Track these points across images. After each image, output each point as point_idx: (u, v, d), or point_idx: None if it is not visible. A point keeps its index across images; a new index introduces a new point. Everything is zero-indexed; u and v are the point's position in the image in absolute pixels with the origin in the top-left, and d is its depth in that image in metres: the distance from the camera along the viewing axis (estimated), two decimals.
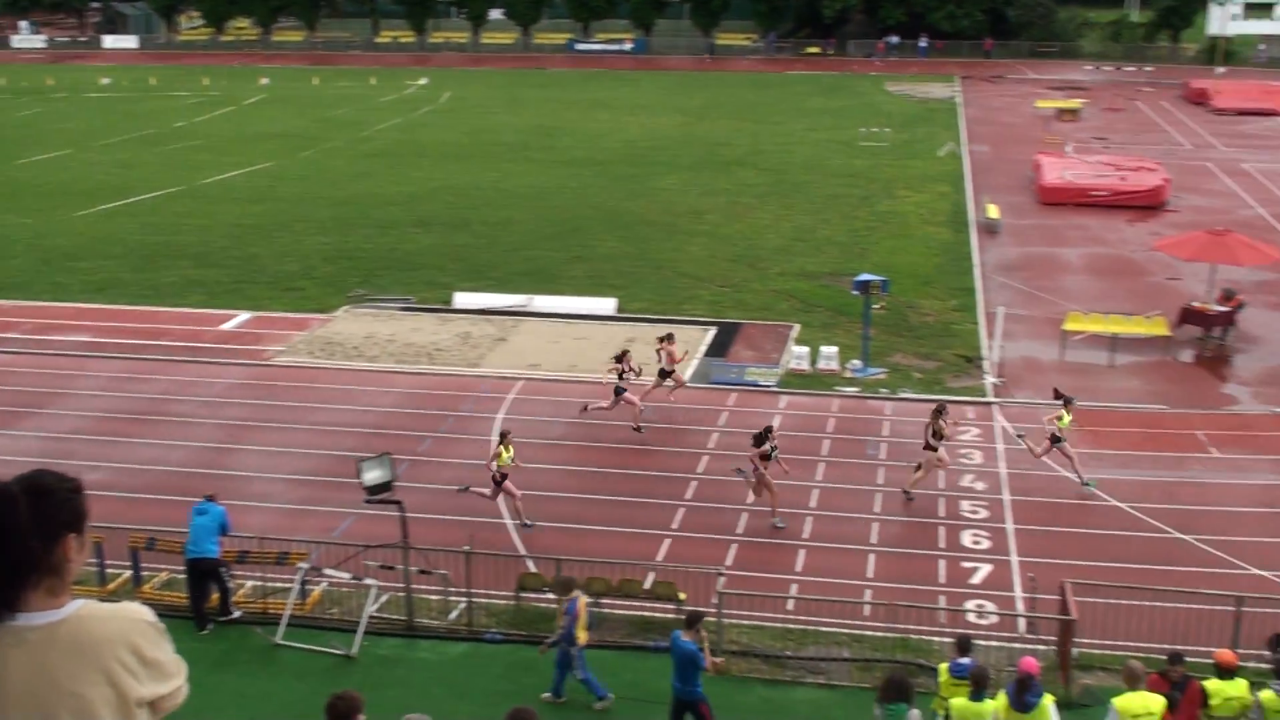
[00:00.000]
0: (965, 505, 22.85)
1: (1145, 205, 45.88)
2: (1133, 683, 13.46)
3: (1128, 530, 21.81)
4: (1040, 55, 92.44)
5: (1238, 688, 14.25)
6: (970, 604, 19.36)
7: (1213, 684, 14.35)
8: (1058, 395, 24.17)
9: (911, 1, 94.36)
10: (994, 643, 17.63)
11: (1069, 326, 31.34)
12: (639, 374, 25.89)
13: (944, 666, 14.70)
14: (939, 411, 22.94)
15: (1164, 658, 15.00)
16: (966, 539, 21.57)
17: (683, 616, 18.16)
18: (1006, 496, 23.20)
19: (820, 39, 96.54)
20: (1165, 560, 20.66)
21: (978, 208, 45.52)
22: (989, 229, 42.61)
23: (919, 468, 22.76)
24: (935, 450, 22.66)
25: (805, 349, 30.14)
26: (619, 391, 25.46)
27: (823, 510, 22.53)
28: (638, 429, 25.64)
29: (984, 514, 22.51)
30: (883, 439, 25.79)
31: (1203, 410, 27.30)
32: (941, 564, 20.69)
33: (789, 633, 18.15)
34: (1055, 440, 23.24)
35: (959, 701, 13.38)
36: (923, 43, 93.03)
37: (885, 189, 49.29)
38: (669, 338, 26.64)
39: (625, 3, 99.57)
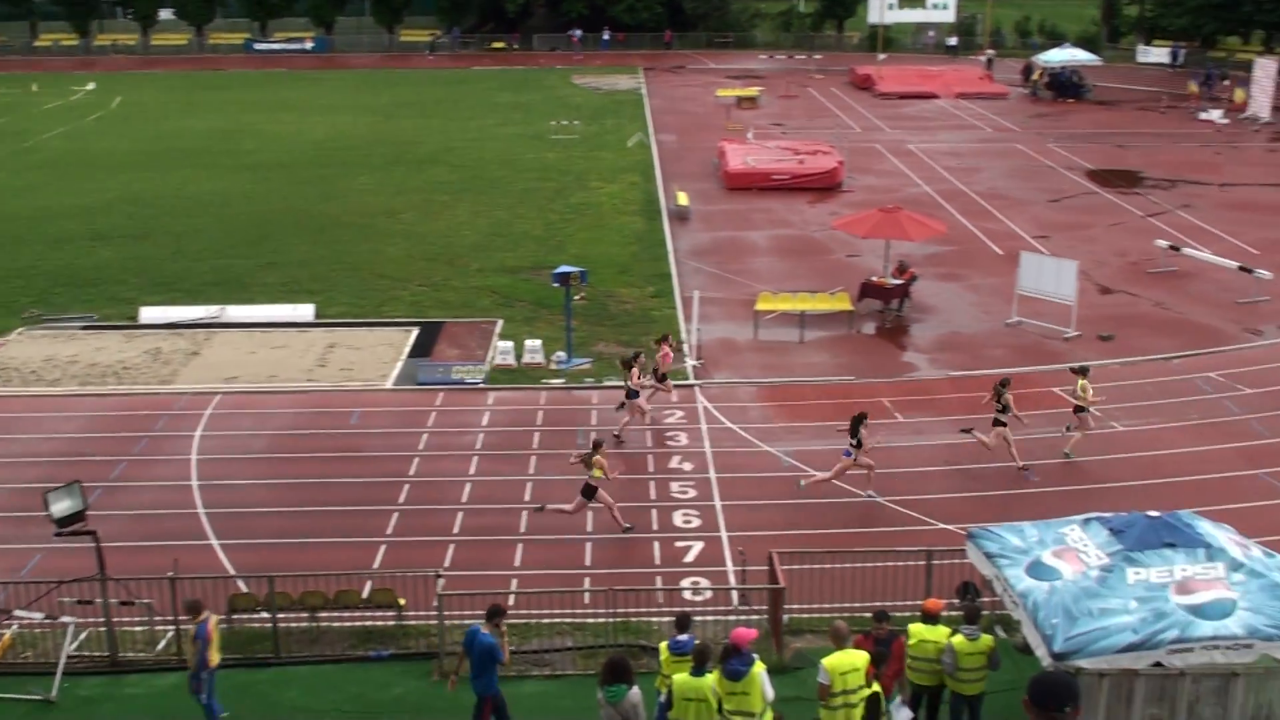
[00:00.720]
0: (675, 486, 23.48)
1: (823, 187, 48.17)
2: (839, 642, 14.17)
3: (827, 498, 22.88)
4: (718, 46, 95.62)
5: (937, 633, 15.24)
6: (686, 582, 19.91)
7: (916, 627, 15.33)
8: (1075, 370, 24.79)
9: None
10: (711, 617, 18.19)
11: (760, 306, 32.61)
12: (656, 376, 26.14)
13: (664, 645, 15.07)
14: (1004, 384, 23.72)
15: (869, 615, 15.87)
16: (678, 519, 22.16)
17: (401, 625, 17.96)
18: (713, 475, 23.96)
19: (505, 33, 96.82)
20: (862, 523, 21.82)
21: (668, 196, 46.72)
22: (680, 216, 43.81)
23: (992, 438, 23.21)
24: (1004, 425, 23.39)
25: (510, 344, 30.25)
26: (633, 395, 25.26)
27: (538, 504, 22.66)
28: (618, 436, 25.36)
29: (693, 493, 23.18)
30: (591, 427, 26.16)
31: (887, 379, 28.95)
32: (656, 545, 21.19)
33: (512, 628, 18.20)
34: (1079, 410, 24.10)
35: (680, 678, 13.74)
36: (605, 36, 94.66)
37: (578, 181, 49.95)
38: (665, 339, 27.03)
39: (303, 0, 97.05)
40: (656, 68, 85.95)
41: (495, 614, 15.31)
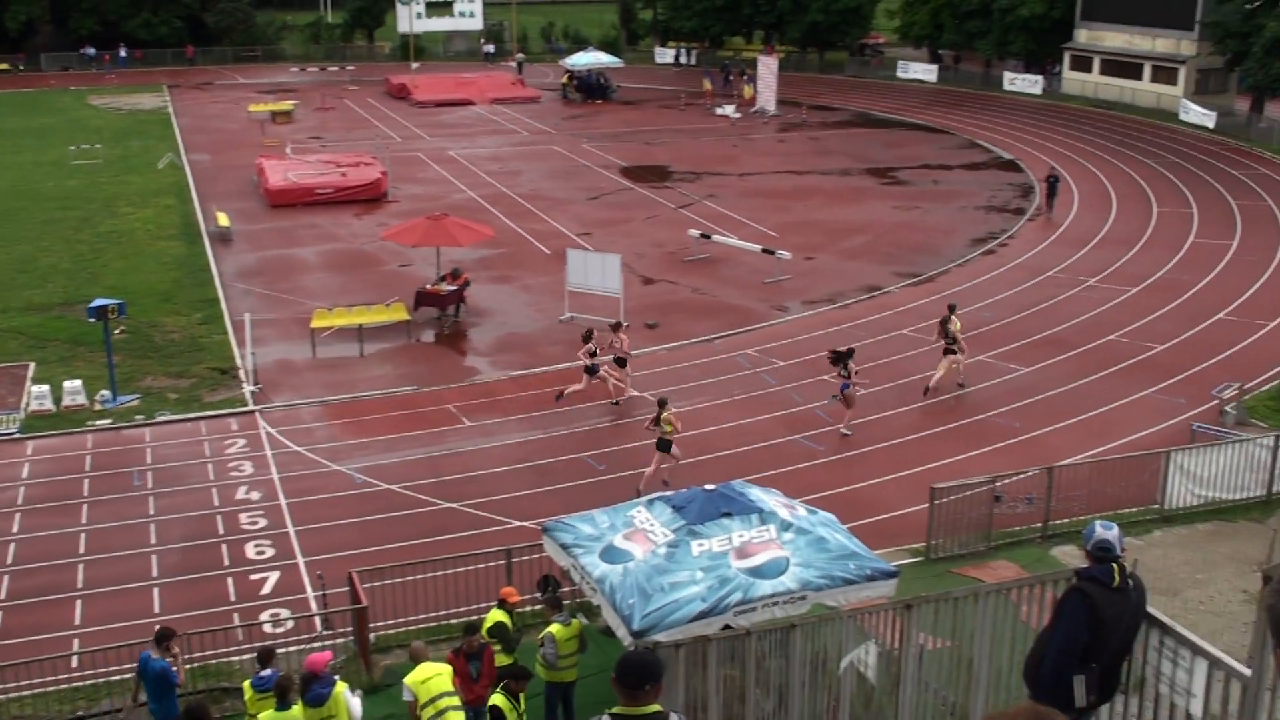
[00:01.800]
0: (244, 517, 22.66)
1: (368, 198, 47.84)
2: (417, 659, 14.30)
3: (403, 510, 22.80)
4: (245, 60, 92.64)
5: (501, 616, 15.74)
6: (265, 615, 19.28)
7: (494, 614, 15.67)
8: (950, 308, 28.14)
9: (104, 10, 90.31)
10: (295, 648, 17.71)
11: (316, 324, 31.99)
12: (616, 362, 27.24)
13: (247, 684, 14.58)
14: (952, 308, 27.21)
15: (457, 622, 15.98)
16: (251, 551, 21.42)
17: None
18: (283, 501, 23.31)
19: (8, 54, 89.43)
20: (441, 531, 21.89)
21: (208, 217, 44.88)
22: (222, 237, 42.22)
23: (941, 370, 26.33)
24: (956, 353, 26.62)
25: (46, 387, 28.10)
26: (591, 371, 26.64)
27: (95, 554, 21.27)
28: (616, 403, 27.32)
29: (264, 523, 22.47)
30: (147, 467, 24.80)
31: (451, 385, 29.14)
32: (230, 582, 20.39)
33: (78, 691, 16.98)
34: (950, 349, 27.08)
35: (267, 715, 13.35)
36: (122, 53, 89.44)
37: (107, 207, 47.03)
38: (618, 326, 28.17)
39: None
40: (182, 85, 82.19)
41: (164, 637, 14.76)
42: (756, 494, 16.07)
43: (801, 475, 23.70)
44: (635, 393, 27.86)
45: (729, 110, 67.71)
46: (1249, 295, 35.37)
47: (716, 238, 40.03)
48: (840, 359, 25.35)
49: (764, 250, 37.77)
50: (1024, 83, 76.83)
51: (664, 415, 22.68)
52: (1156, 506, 22.29)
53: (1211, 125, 62.09)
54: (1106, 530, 8.41)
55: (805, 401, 27.90)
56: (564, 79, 76.90)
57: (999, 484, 21.53)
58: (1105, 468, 22.64)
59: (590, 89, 75.47)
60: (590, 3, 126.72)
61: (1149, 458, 22.83)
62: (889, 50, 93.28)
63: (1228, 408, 26.02)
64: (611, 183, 51.21)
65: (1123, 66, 71.69)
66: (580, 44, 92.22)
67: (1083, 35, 74.15)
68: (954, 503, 20.80)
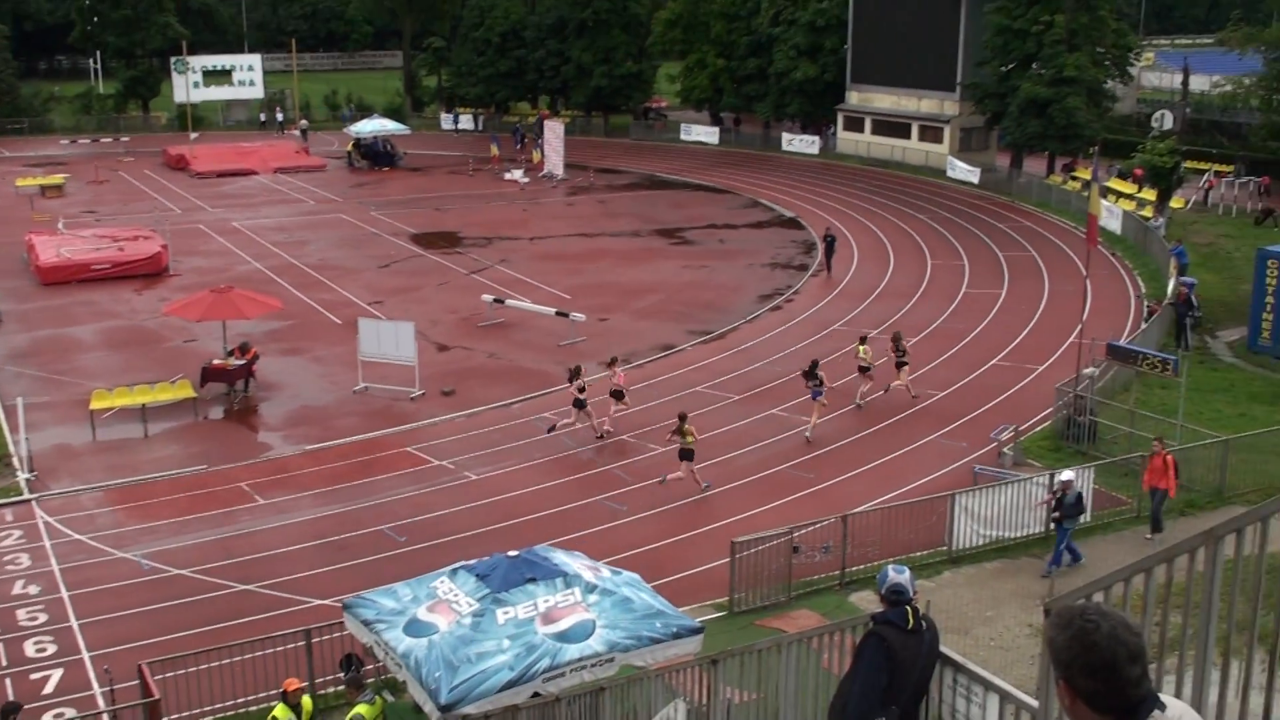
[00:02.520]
0: (22, 614, 21.45)
1: (148, 273, 46.25)
2: None
3: (196, 595, 21.93)
4: (10, 132, 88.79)
5: (307, 705, 15.25)
6: (48, 716, 18.25)
7: (277, 710, 15.21)
8: (860, 339, 30.67)
9: None
10: None
11: (96, 405, 30.67)
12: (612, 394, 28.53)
13: None
14: (897, 337, 30.23)
15: (258, 709, 15.40)
16: (30, 649, 20.27)
17: None
18: (65, 593, 22.15)
19: None
20: (237, 614, 21.11)
21: None
22: None
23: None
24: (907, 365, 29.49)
25: None
26: (579, 405, 28.02)
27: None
28: (600, 437, 28.57)
29: (44, 618, 21.30)
30: None
31: (242, 462, 28.24)
32: (9, 683, 19.25)
33: None
34: (864, 370, 29.61)
35: None
36: None
37: None
38: (614, 361, 29.93)
39: None
40: None
41: (8, 712, 13.59)
42: (560, 558, 16.07)
43: (605, 536, 23.76)
44: (610, 430, 28.79)
45: (518, 175, 68.11)
46: (1018, 341, 37.15)
47: (510, 302, 40.03)
48: (811, 372, 28.12)
49: (558, 313, 37.90)
50: (801, 143, 79.15)
51: (685, 427, 24.84)
52: (945, 548, 23.03)
53: (976, 181, 65.49)
54: (899, 574, 8.66)
55: (603, 462, 27.99)
56: (349, 146, 76.14)
57: (796, 535, 21.95)
58: (895, 513, 23.33)
59: (376, 156, 74.89)
60: (374, 70, 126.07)
61: (936, 501, 23.60)
62: (671, 114, 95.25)
63: (1005, 449, 27.11)
64: (402, 250, 50.81)
65: (892, 126, 75.17)
66: (365, 111, 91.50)
67: (854, 97, 77.38)
68: (754, 555, 21.12)
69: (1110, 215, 52.05)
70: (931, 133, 72.80)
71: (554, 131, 70.67)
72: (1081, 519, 22.88)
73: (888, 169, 71.72)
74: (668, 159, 76.50)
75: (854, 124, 77.90)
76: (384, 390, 32.91)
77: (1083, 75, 61.10)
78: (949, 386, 32.80)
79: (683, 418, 25.10)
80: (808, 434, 28.48)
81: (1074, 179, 62.08)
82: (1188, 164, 58.83)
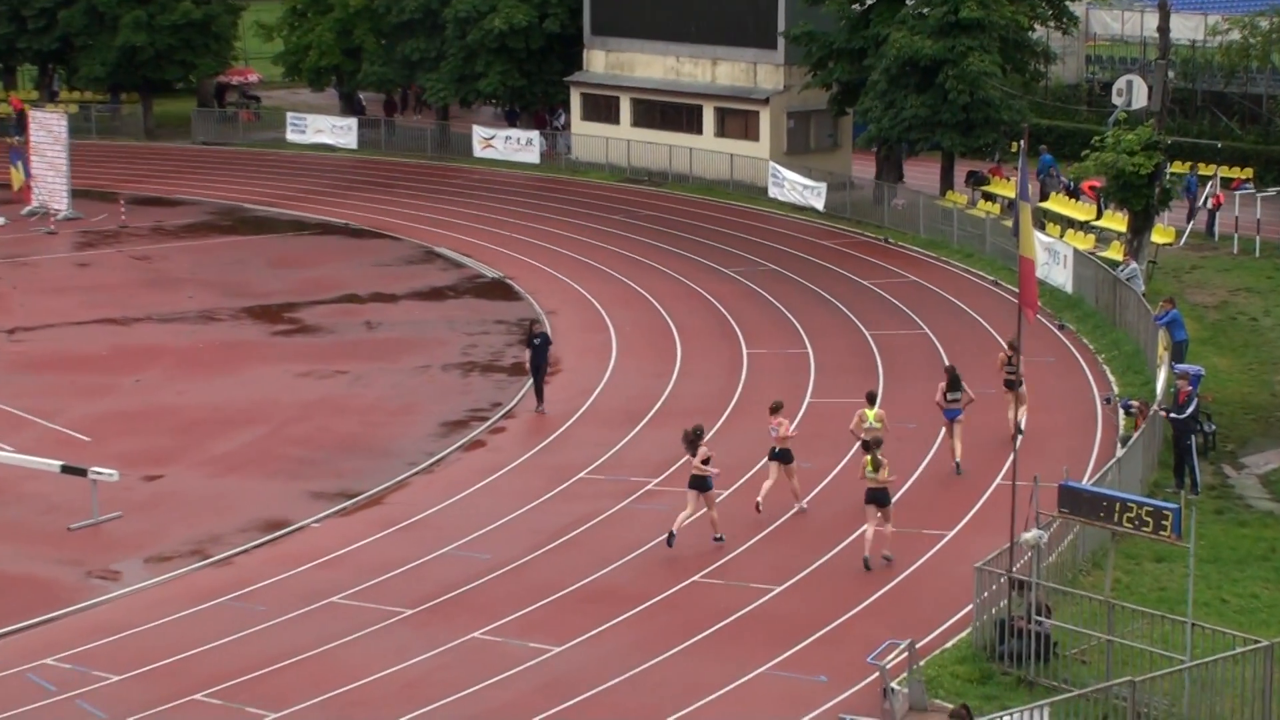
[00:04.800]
0: None
1: None
2: None
3: None
4: None
5: None
6: None
7: None
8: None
9: None
10: None
11: None
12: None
13: None
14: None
15: None
16: None
17: None
18: None
19: None
20: None
21: None
22: None
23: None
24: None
25: None
26: (701, 485, 22.35)
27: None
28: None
29: None
30: None
31: None
32: None
33: None
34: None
35: None
36: None
37: None
38: (778, 408, 23.94)
39: None
40: None
41: None
42: None
43: None
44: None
45: None
46: (907, 489, 25.31)
47: None
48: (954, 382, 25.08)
49: (65, 469, 24.31)
50: (508, 145, 53.52)
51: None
52: None
53: (820, 205, 44.89)
54: None
55: None
56: None
57: None
58: None
59: None
60: None
61: None
62: (269, 95, 66.49)
63: (893, 684, 17.76)
64: None
65: (669, 111, 51.95)
66: None
67: (597, 61, 53.23)
68: None
69: (1052, 260, 36.11)
70: (738, 121, 48.93)
71: (48, 131, 46.31)
72: None
73: (663, 190, 48.71)
74: (266, 178, 52.62)
75: (600, 109, 52.36)
76: None
77: (992, 17, 41.19)
78: (793, 574, 21.48)
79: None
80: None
81: (987, 198, 43.45)
82: (1175, 167, 40.57)
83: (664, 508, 23.05)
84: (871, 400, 24.15)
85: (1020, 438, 23.31)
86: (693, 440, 21.61)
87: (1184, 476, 25.45)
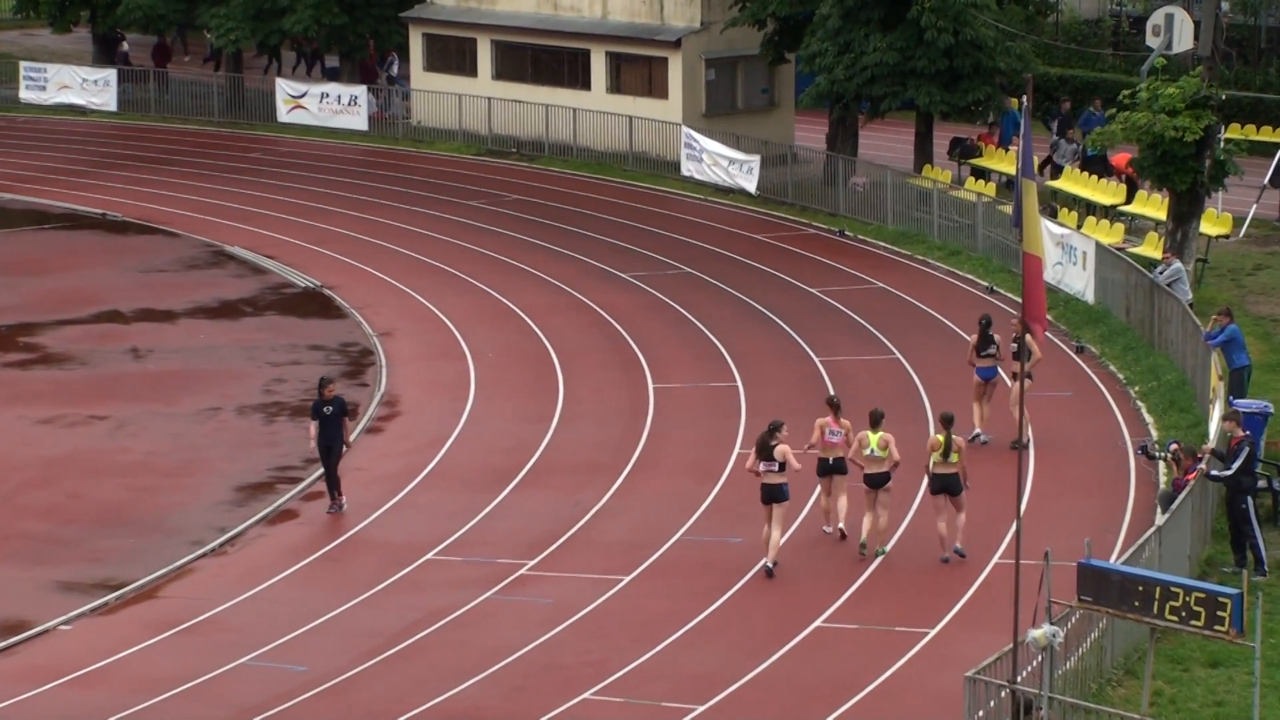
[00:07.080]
0: None
1: None
2: None
3: None
4: None
5: None
6: None
7: None
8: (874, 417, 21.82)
9: None
10: None
11: None
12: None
13: None
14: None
15: None
16: None
17: None
18: None
19: None
20: None
21: None
22: None
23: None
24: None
25: None
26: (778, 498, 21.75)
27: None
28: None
29: None
30: None
31: None
32: None
33: None
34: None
35: None
36: None
37: None
38: (836, 405, 22.84)
39: None
40: None
41: None
42: None
43: None
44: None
45: None
46: (870, 573, 21.60)
47: None
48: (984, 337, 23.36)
49: None
50: (325, 108, 43.98)
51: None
52: None
53: (752, 189, 35.69)
54: None
55: None
56: None
57: None
58: None
59: None
60: None
61: None
62: None
63: None
64: None
65: (544, 58, 43.04)
66: None
67: None
68: None
69: (1067, 258, 30.56)
70: (639, 71, 40.61)
71: None
72: None
73: (537, 166, 40.50)
74: None
75: (450, 56, 43.00)
76: None
77: None
78: (716, 688, 18.13)
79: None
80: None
81: (978, 174, 36.72)
82: (1232, 132, 34.54)
83: (541, 600, 18.81)
84: (875, 422, 21.03)
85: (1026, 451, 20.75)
86: (768, 436, 19.58)
87: (1244, 551, 21.03)
